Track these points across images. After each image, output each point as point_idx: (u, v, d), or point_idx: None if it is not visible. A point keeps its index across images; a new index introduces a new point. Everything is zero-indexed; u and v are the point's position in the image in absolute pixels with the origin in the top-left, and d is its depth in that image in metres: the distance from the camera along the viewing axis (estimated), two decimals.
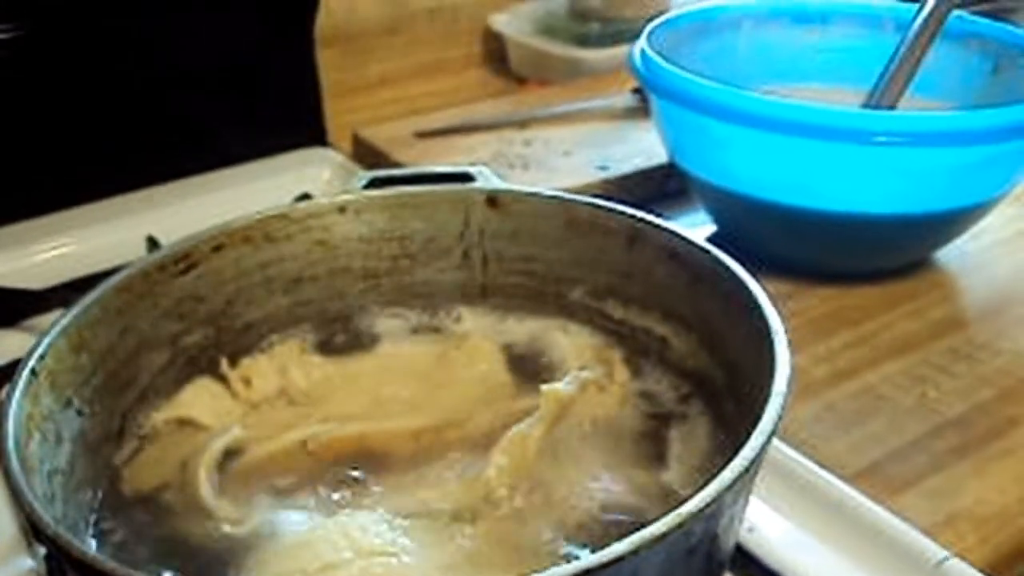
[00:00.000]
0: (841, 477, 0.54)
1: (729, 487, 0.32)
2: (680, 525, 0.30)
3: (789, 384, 0.37)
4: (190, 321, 0.51)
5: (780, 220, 0.71)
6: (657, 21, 0.79)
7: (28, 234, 0.79)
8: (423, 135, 0.88)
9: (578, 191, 0.75)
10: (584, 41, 1.07)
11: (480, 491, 0.42)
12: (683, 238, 0.47)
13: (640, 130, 0.88)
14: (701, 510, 0.31)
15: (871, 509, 0.51)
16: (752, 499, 0.50)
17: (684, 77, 0.69)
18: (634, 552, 0.29)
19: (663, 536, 0.29)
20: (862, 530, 0.50)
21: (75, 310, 0.44)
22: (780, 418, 0.36)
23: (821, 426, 0.60)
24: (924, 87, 0.78)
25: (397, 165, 0.84)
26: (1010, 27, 0.82)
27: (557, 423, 0.45)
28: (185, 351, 0.50)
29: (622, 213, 0.50)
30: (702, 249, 0.46)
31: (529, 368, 0.51)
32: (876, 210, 0.69)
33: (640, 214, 0.49)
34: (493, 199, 0.52)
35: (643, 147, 0.84)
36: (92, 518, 0.43)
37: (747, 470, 0.32)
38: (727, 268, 0.45)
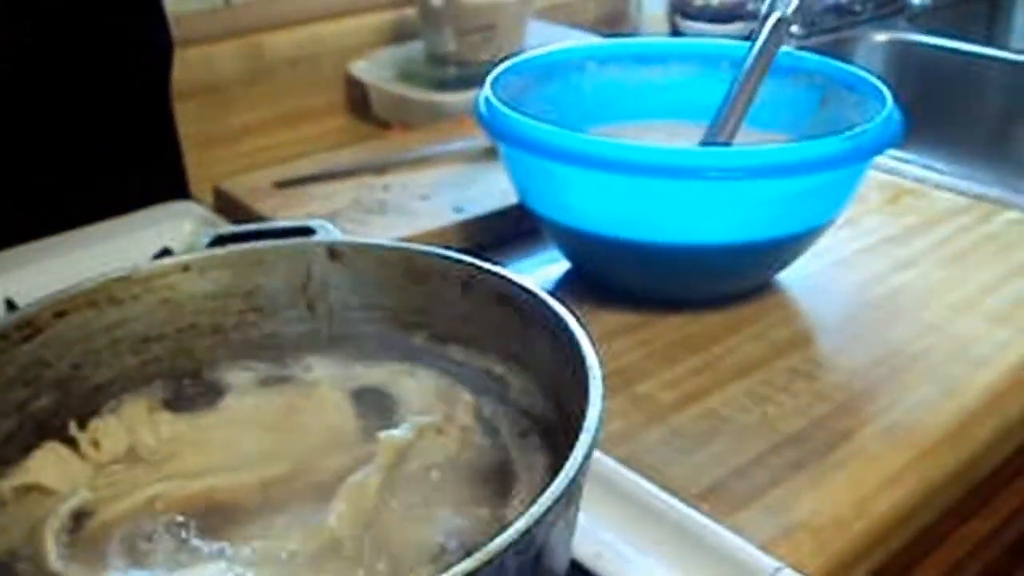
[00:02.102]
0: (683, 499, 0.57)
1: (537, 521, 0.34)
2: (489, 562, 0.32)
3: (599, 423, 0.40)
4: (37, 387, 0.51)
5: (626, 254, 0.74)
6: (501, 67, 0.82)
7: None
8: (283, 184, 0.90)
9: (435, 234, 0.79)
10: (442, 85, 1.10)
11: (324, 538, 0.44)
12: (512, 282, 0.50)
13: (496, 171, 0.90)
14: (510, 544, 0.33)
15: (709, 528, 0.54)
16: (597, 524, 0.53)
17: (523, 122, 0.72)
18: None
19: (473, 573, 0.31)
20: (701, 549, 0.53)
21: None
22: (588, 456, 0.38)
23: (667, 450, 0.63)
24: (759, 121, 0.83)
25: (258, 216, 0.85)
26: (834, 62, 0.87)
27: (396, 468, 0.47)
28: (33, 416, 0.51)
29: (457, 260, 0.52)
30: (530, 292, 0.49)
31: (376, 414, 0.53)
32: (714, 240, 0.73)
33: (473, 260, 0.52)
34: (333, 251, 0.54)
35: (499, 188, 0.87)
36: None
37: (552, 505, 0.34)
38: (551, 310, 0.47)
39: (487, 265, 0.51)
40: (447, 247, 0.54)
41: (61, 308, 0.51)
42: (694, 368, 0.71)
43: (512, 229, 0.85)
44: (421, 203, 0.87)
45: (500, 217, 0.85)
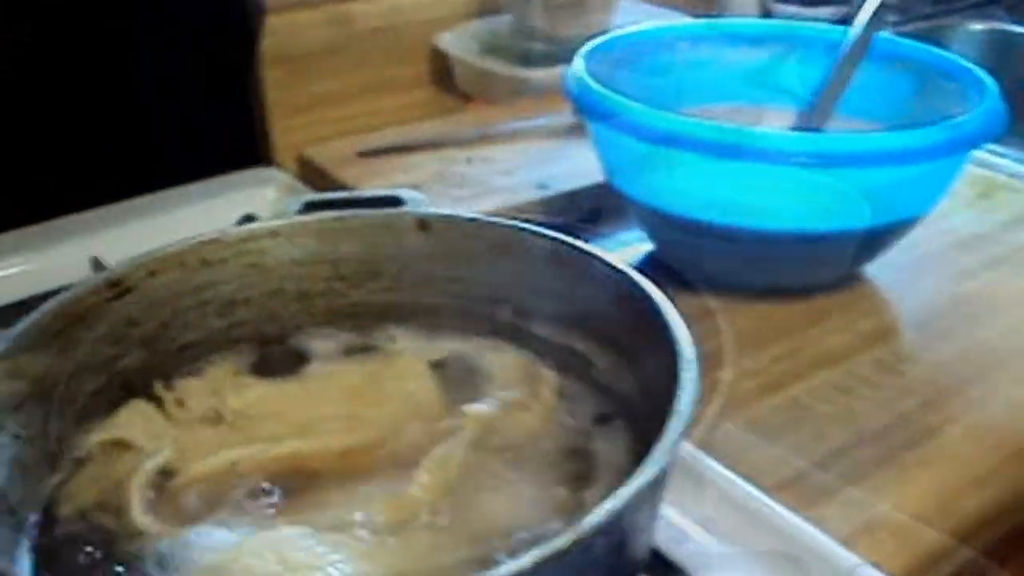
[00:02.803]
0: (763, 488, 0.56)
1: (627, 505, 0.33)
2: (579, 542, 0.32)
3: (693, 407, 0.39)
4: (125, 344, 0.52)
5: (712, 239, 0.73)
6: (592, 43, 0.81)
7: None
8: (366, 154, 0.90)
9: (517, 210, 0.78)
10: (528, 60, 1.09)
11: (404, 509, 0.44)
12: (601, 260, 0.49)
13: (581, 148, 0.89)
14: (599, 526, 0.32)
15: (789, 520, 0.53)
16: (676, 511, 0.53)
17: (614, 100, 0.71)
18: (534, 569, 0.31)
19: (561, 554, 0.31)
20: (780, 540, 0.52)
21: (10, 337, 0.45)
22: (679, 441, 0.37)
23: (746, 438, 0.62)
24: (849, 107, 0.81)
25: (340, 184, 0.86)
26: (934, 49, 0.84)
27: (480, 442, 0.47)
28: (120, 374, 0.51)
29: (544, 235, 0.51)
30: (618, 271, 0.48)
31: (458, 386, 0.52)
32: (803, 228, 0.72)
33: (561, 236, 0.51)
34: (422, 222, 0.54)
35: (584, 165, 0.86)
36: (29, 540, 0.44)
37: (641, 489, 0.34)
38: (642, 290, 0.46)
39: (575, 241, 0.51)
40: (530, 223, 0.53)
41: (152, 268, 0.52)
42: (775, 357, 0.70)
43: (596, 208, 0.84)
44: (504, 178, 0.87)
45: (584, 195, 0.84)
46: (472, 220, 0.54)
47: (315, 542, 0.42)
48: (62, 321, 0.48)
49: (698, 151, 0.68)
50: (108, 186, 0.85)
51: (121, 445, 0.49)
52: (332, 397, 0.52)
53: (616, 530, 0.34)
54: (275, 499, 0.46)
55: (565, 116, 0.96)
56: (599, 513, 0.32)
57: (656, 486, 0.36)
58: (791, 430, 0.63)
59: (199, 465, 0.47)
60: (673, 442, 0.36)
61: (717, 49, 0.89)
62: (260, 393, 0.52)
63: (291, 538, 0.43)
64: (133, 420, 0.50)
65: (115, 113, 0.85)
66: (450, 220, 0.54)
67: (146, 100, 0.85)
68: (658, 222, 0.78)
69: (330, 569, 0.41)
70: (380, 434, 0.49)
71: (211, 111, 0.89)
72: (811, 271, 0.77)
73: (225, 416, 0.51)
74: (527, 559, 0.31)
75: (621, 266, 0.48)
